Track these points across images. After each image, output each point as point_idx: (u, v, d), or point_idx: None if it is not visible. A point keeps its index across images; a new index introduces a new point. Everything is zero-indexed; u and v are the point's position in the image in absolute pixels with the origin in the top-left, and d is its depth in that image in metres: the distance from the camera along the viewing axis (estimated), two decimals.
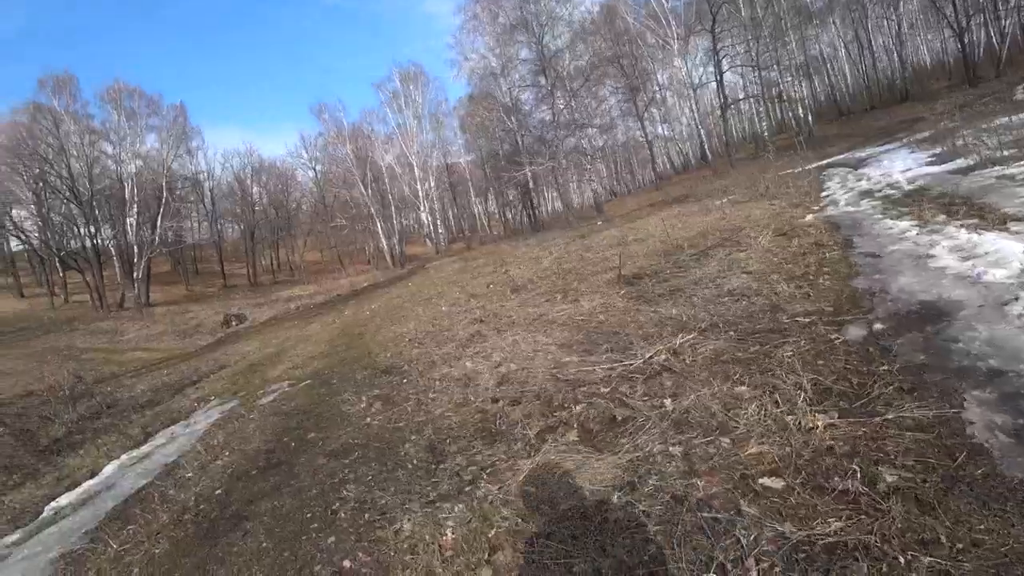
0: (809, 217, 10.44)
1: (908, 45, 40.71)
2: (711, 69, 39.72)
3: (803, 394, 3.33)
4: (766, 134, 37.70)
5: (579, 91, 31.99)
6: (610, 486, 2.96)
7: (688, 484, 2.81)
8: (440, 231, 40.52)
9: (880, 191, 11.51)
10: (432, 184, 39.40)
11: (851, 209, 10.47)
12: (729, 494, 2.67)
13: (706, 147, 39.39)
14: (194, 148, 46.20)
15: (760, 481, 2.70)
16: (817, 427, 2.98)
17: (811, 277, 6.12)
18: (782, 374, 3.74)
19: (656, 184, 41.41)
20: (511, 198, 45.56)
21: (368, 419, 5.34)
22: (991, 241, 5.96)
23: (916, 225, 7.58)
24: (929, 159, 14.12)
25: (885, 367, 3.63)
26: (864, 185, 12.85)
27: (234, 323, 25.19)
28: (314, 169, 48.97)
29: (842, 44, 43.61)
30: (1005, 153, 11.12)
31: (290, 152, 51.97)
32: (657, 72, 41.96)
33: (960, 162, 12.19)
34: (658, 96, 42.43)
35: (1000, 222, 6.59)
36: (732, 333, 4.85)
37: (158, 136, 39.51)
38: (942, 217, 7.76)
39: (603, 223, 25.03)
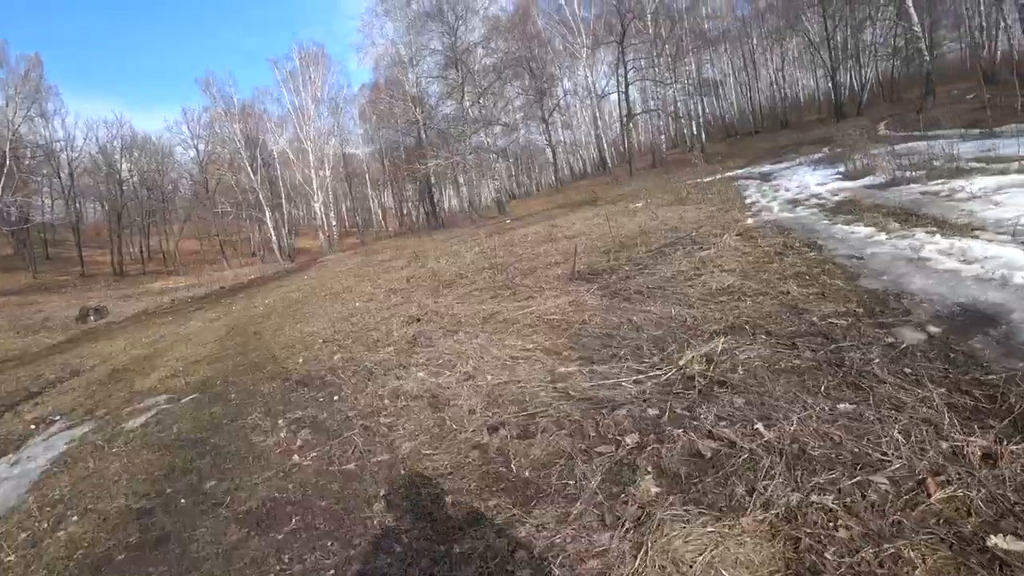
0: (749, 220, 10.05)
1: (788, 79, 43.66)
2: (614, 81, 40.56)
3: (946, 412, 2.47)
4: (664, 147, 38.81)
5: (489, 88, 31.04)
6: None
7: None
8: (333, 224, 37.78)
9: (807, 200, 11.44)
10: (328, 174, 36.59)
11: (789, 215, 10.21)
12: None
13: (606, 155, 39.91)
14: (50, 111, 38.98)
15: (992, 543, 1.75)
16: (1001, 454, 2.11)
17: (808, 277, 5.44)
18: (887, 386, 2.87)
19: (557, 187, 41.42)
20: (410, 193, 43.74)
21: (296, 457, 3.69)
22: (981, 247, 5.63)
23: (877, 231, 7.27)
24: (836, 175, 14.54)
25: (993, 376, 2.88)
26: (786, 195, 12.84)
27: (93, 318, 21.26)
28: (196, 148, 43.42)
29: (732, 71, 46.04)
30: (913, 174, 11.41)
31: (169, 127, 45.34)
32: (563, 78, 42.11)
33: (870, 179, 12.56)
34: (562, 102, 42.51)
35: (962, 231, 6.35)
36: (764, 336, 3.98)
37: (3, 91, 33.40)
38: (896, 225, 7.53)
39: (512, 222, 24.21)
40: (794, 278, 5.44)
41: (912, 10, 27.61)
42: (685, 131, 42.23)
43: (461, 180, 47.46)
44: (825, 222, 8.64)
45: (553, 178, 50.42)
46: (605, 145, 39.03)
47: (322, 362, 5.93)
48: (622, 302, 5.54)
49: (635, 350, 4.14)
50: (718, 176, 21.41)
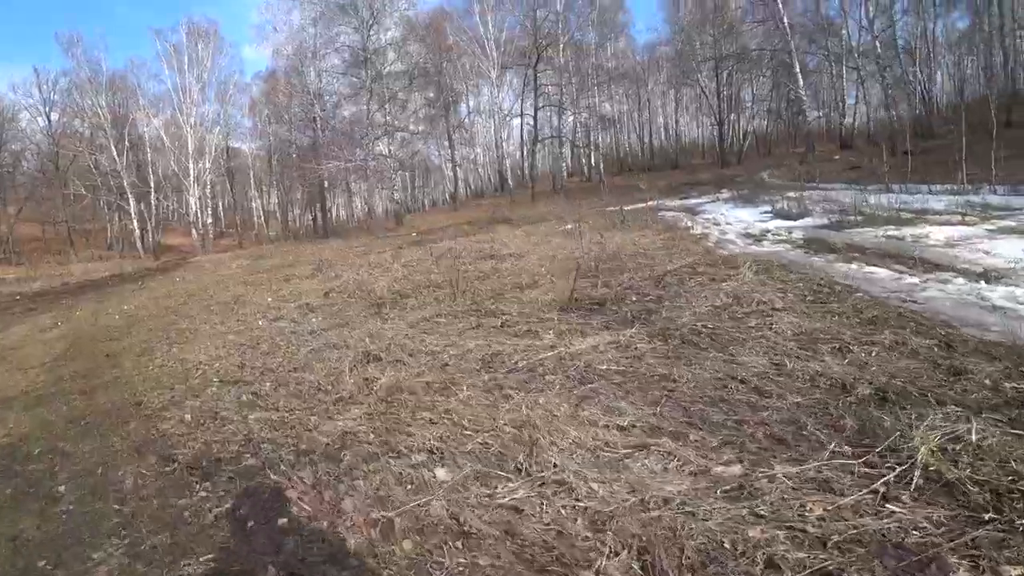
0: (722, 251, 9.04)
1: (681, 124, 45.54)
2: (518, 104, 39.94)
3: None
4: (564, 174, 38.57)
5: (397, 94, 28.84)
6: None
7: None
8: (209, 222, 33.09)
9: (764, 236, 10.76)
10: (208, 165, 31.98)
11: (760, 248, 9.41)
12: None
13: (507, 176, 38.96)
14: None
15: None
16: None
17: (893, 324, 4.21)
18: None
19: (455, 205, 39.76)
20: (298, 197, 39.94)
21: None
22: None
23: (899, 273, 6.40)
24: (767, 214, 14.18)
25: None
26: (733, 228, 12.18)
27: None
28: (48, 117, 35.48)
29: (628, 109, 47.23)
30: (854, 218, 11.17)
31: (14, 86, 36.33)
32: (469, 95, 40.83)
33: (812, 220, 12.21)
34: (467, 119, 41.15)
35: (997, 277, 5.62)
36: (956, 408, 2.58)
37: None
38: (898, 266, 6.79)
39: (419, 235, 22.15)
40: (875, 324, 4.20)
41: (800, 75, 29.46)
42: (583, 160, 42.42)
43: (353, 188, 44.45)
44: (817, 259, 7.72)
45: (449, 195, 48.80)
46: (508, 166, 38.03)
47: (229, 426, 3.60)
48: (688, 348, 3.95)
49: (794, 430, 2.55)
50: (634, 206, 20.87)
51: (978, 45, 32.58)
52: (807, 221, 12.00)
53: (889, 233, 9.21)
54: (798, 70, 29.27)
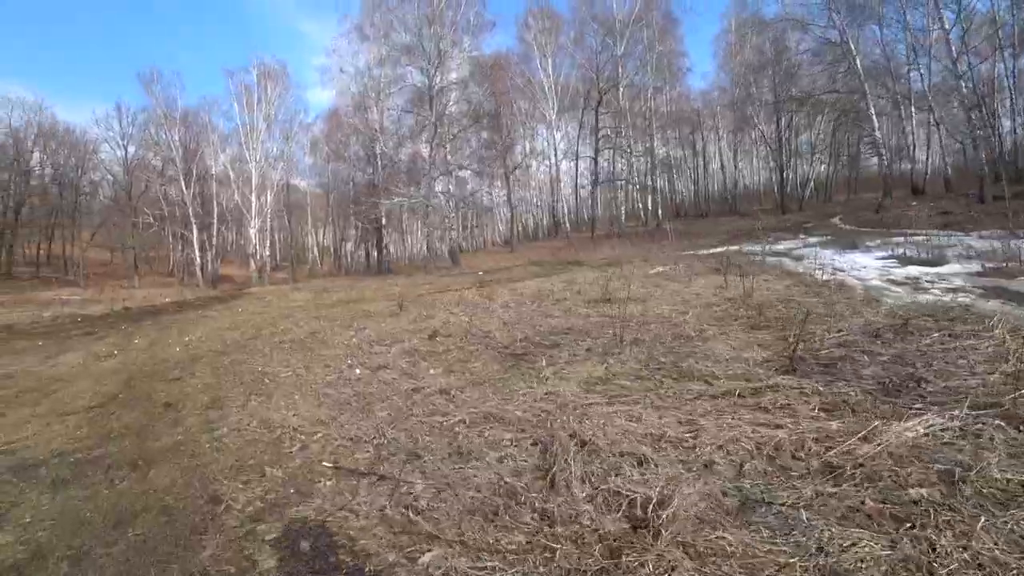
0: (892, 300, 7.21)
1: (739, 168, 43.76)
2: (575, 147, 38.95)
3: None
4: (623, 218, 37.04)
5: (460, 133, 28.02)
6: None
7: None
8: (267, 254, 32.50)
9: (918, 283, 8.95)
10: (269, 200, 31.65)
11: (937, 298, 7.53)
12: None
13: (564, 219, 37.67)
14: None
15: None
16: None
17: None
18: None
19: (509, 246, 38.52)
20: (352, 232, 39.34)
21: None
22: None
23: None
24: (888, 258, 12.44)
25: None
26: (865, 274, 10.33)
27: None
28: (125, 148, 35.84)
29: (686, 154, 45.75)
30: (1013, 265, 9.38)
31: (97, 120, 36.98)
32: (527, 137, 40.03)
33: (959, 267, 10.35)
34: (523, 161, 40.22)
35: None
36: None
37: None
38: None
39: (483, 274, 20.76)
40: None
41: (875, 118, 27.60)
42: (640, 205, 40.90)
43: (406, 226, 43.80)
44: None
45: (503, 236, 47.70)
46: (566, 209, 36.74)
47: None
48: None
49: None
50: (715, 250, 19.10)
51: None
52: (954, 268, 10.12)
53: None
54: (873, 113, 27.38)
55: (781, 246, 19.03)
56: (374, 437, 3.34)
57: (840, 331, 5.30)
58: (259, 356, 6.46)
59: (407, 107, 27.48)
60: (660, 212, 38.30)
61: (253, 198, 30.55)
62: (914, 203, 28.14)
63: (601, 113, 33.43)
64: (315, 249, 46.52)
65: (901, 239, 15.55)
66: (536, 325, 6.73)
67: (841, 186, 44.25)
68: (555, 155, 38.71)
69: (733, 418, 3.24)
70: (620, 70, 33.37)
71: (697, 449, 2.85)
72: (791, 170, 39.95)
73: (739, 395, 3.66)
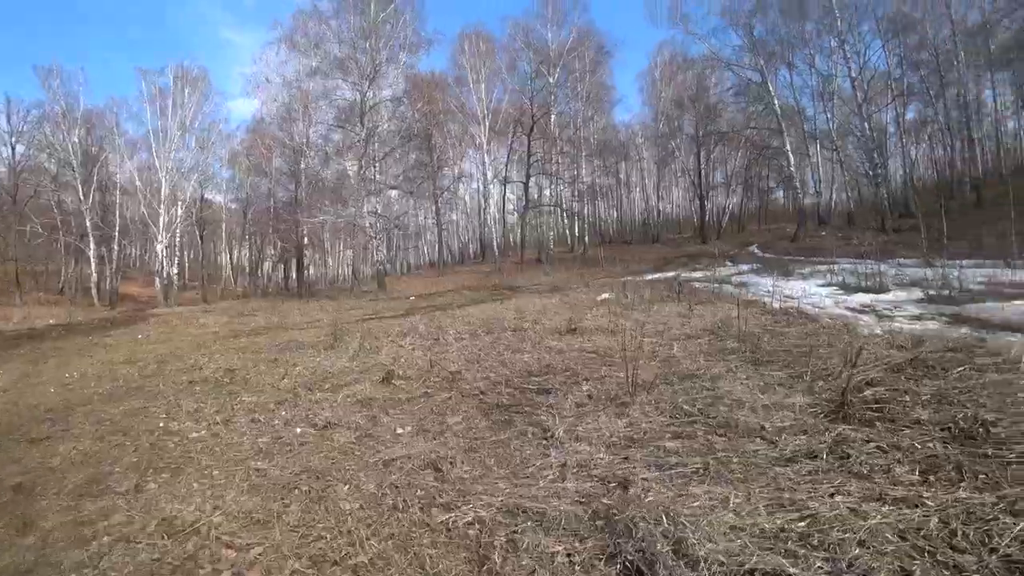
0: (869, 331, 6.82)
1: (663, 198, 44.89)
2: (504, 172, 38.48)
3: None
4: (552, 244, 36.81)
5: (391, 152, 26.70)
6: None
7: None
8: (175, 272, 29.27)
9: (880, 311, 8.78)
10: (180, 213, 28.67)
11: (907, 327, 7.26)
12: None
13: (493, 244, 36.90)
14: None
15: None
16: None
17: None
18: None
19: (436, 270, 37.23)
20: (270, 252, 36.58)
21: None
22: None
23: None
24: (830, 286, 12.51)
25: None
26: (824, 302, 10.10)
27: None
28: (12, 147, 30.39)
29: (610, 182, 46.48)
30: (953, 294, 9.42)
31: None
32: (457, 160, 39.16)
33: (903, 294, 10.55)
34: (452, 184, 39.28)
35: None
36: None
37: None
38: None
39: (415, 299, 19.47)
40: None
41: (791, 155, 29.01)
42: (567, 231, 40.95)
43: (328, 247, 41.46)
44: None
45: (426, 260, 46.28)
46: (495, 235, 35.99)
47: None
48: None
49: None
50: (651, 276, 18.87)
51: (937, 133, 33.16)
52: (899, 295, 10.15)
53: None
54: (789, 150, 28.76)
55: (719, 273, 19.12)
56: (347, 554, 2.20)
57: (856, 367, 4.71)
58: (161, 403, 5.00)
59: (336, 122, 25.86)
60: (587, 238, 38.46)
61: (162, 211, 27.54)
62: (823, 233, 29.64)
63: (533, 139, 33.22)
64: (229, 268, 43.04)
65: (826, 267, 15.98)
66: (508, 363, 5.70)
67: (752, 217, 46.38)
68: (484, 179, 38.11)
69: (837, 492, 2.42)
70: (552, 98, 33.43)
71: (831, 547, 1.99)
72: (710, 201, 41.46)
73: (815, 456, 2.87)
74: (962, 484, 2.45)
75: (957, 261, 12.74)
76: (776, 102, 28.57)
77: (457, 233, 44.71)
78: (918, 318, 7.86)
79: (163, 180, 27.19)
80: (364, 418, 3.96)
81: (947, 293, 9.49)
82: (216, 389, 5.40)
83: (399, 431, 3.61)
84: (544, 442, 3.27)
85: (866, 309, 9.02)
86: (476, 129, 35.17)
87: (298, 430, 3.76)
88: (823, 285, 12.61)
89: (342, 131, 27.32)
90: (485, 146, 35.39)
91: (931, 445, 2.91)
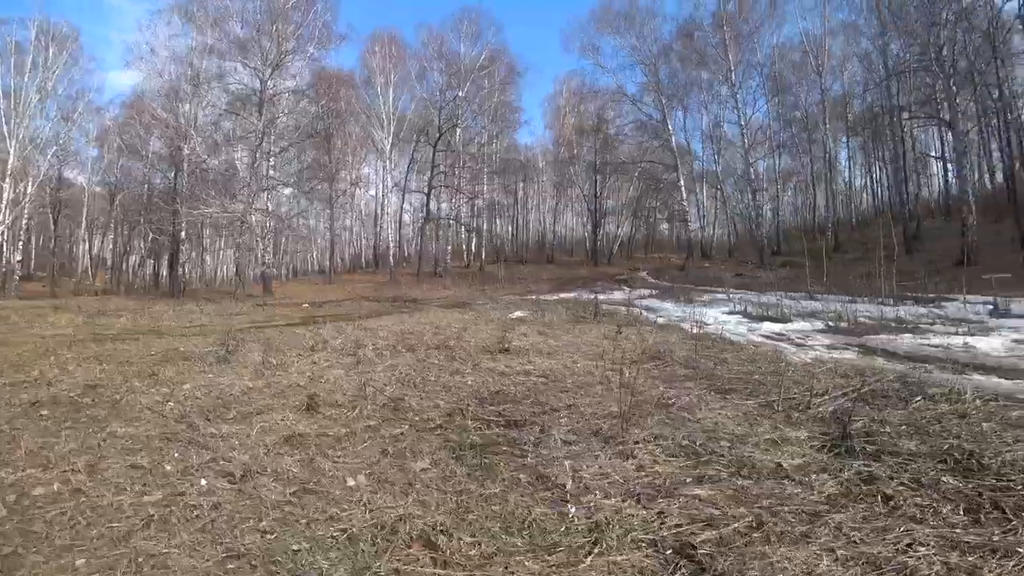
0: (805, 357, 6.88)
1: (558, 221, 45.77)
2: (404, 182, 37.27)
3: None
4: (448, 258, 36.00)
5: (289, 147, 24.67)
6: None
7: None
8: (18, 260, 24.57)
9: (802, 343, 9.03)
10: (30, 191, 24.15)
11: (837, 356, 7.44)
12: None
13: (389, 254, 35.38)
14: None
15: None
16: None
17: None
18: None
19: (328, 277, 34.97)
20: (139, 247, 32.33)
21: None
22: None
23: None
24: (736, 314, 12.88)
25: None
26: (740, 331, 10.28)
27: None
28: None
29: (508, 201, 46.68)
30: (844, 324, 10.17)
31: None
32: (356, 164, 37.25)
33: (806, 324, 11.07)
34: (350, 188, 37.30)
35: None
36: None
37: None
38: None
39: (312, 307, 17.82)
40: None
41: (684, 190, 30.76)
42: (464, 246, 40.41)
43: (207, 244, 37.54)
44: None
45: (315, 266, 43.53)
46: (391, 244, 34.54)
47: None
48: None
49: None
50: (553, 297, 18.67)
51: (801, 184, 37.01)
52: (803, 325, 10.58)
53: (931, 342, 7.95)
54: (682, 185, 30.45)
55: (616, 295, 19.40)
56: None
57: (821, 395, 4.54)
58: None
59: (231, 108, 23.40)
60: (483, 255, 38.20)
61: (7, 185, 23.15)
62: (707, 264, 31.62)
63: (438, 151, 32.46)
64: (87, 260, 37.49)
65: (724, 295, 16.71)
66: (452, 387, 4.90)
67: (639, 245, 48.69)
68: (383, 186, 36.62)
69: (914, 541, 2.06)
70: (460, 112, 32.97)
71: None
72: (602, 227, 42.96)
73: (856, 498, 2.50)
74: (1013, 524, 2.22)
75: (833, 297, 13.90)
76: (673, 139, 30.22)
77: (350, 240, 42.49)
78: (832, 347, 8.15)
79: (11, 150, 22.83)
80: (296, 463, 2.98)
81: (844, 324, 10.10)
82: (72, 415, 4.07)
83: (350, 482, 2.71)
84: (548, 494, 2.57)
85: (780, 337, 9.27)
86: (380, 134, 33.75)
87: (204, 482, 2.73)
88: (729, 313, 12.97)
89: (235, 119, 24.91)
90: (388, 153, 34.01)
91: (945, 479, 2.71)
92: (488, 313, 13.15)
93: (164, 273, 29.96)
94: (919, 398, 4.43)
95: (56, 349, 7.31)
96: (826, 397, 4.47)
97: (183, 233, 26.18)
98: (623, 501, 2.47)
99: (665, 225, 52.54)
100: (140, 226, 30.43)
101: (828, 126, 29.83)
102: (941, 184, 29.64)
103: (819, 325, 10.41)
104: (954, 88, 19.74)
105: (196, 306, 17.89)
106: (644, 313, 13.14)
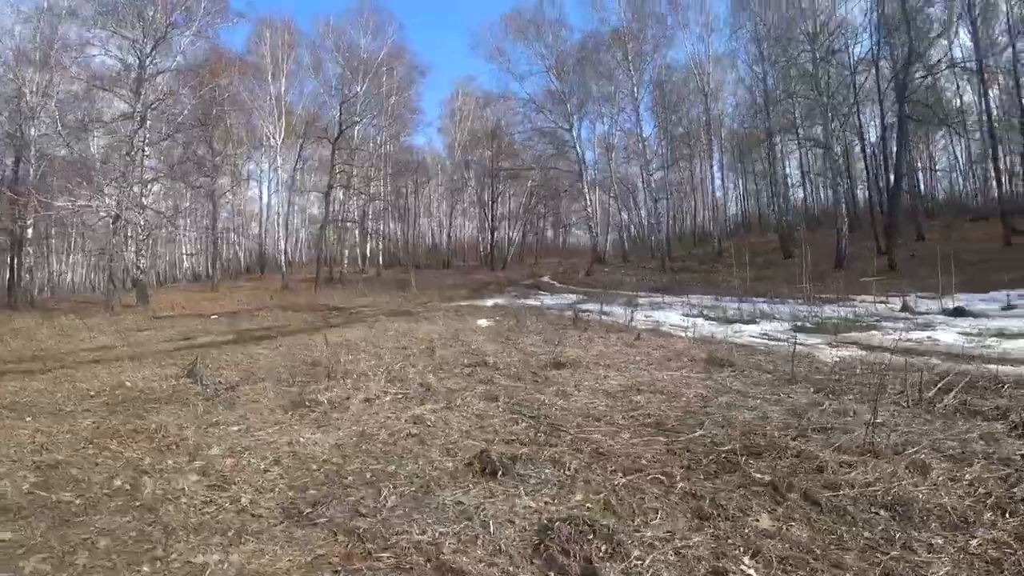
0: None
1: (455, 225, 44.78)
2: (294, 178, 34.17)
3: None
4: (345, 262, 33.59)
5: (170, 135, 21.27)
6: None
7: None
8: None
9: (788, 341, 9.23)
10: None
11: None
12: None
13: (281, 257, 32.20)
14: None
15: None
16: None
17: None
18: None
19: (212, 284, 30.93)
20: None
21: None
22: None
23: None
24: (700, 318, 12.73)
25: None
26: (733, 334, 10.30)
27: None
28: None
29: (404, 203, 44.87)
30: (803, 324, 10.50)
31: None
32: (241, 158, 33.38)
33: (773, 324, 11.44)
34: (234, 185, 33.37)
35: None
36: None
37: None
38: None
39: (221, 318, 15.31)
40: None
41: (587, 196, 31.50)
42: (358, 250, 38.08)
43: (55, 245, 31.50)
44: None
45: (189, 271, 38.47)
46: (284, 247, 31.43)
47: None
48: None
49: None
50: (484, 303, 17.79)
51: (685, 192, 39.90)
52: (774, 326, 10.86)
53: (904, 337, 8.39)
54: (587, 191, 31.18)
55: (547, 300, 18.92)
56: None
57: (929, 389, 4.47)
58: None
59: (98, 84, 19.56)
60: (380, 259, 36.36)
61: None
62: (606, 270, 32.66)
63: (337, 148, 30.13)
64: None
65: (660, 299, 16.94)
66: (618, 425, 4.08)
67: (529, 250, 49.29)
68: (271, 184, 33.35)
69: None
70: (356, 109, 30.92)
71: None
72: (498, 232, 42.86)
73: None
74: None
75: (760, 299, 14.68)
76: (578, 147, 30.93)
77: (229, 242, 38.11)
78: (831, 346, 8.40)
79: None
80: None
81: (808, 325, 10.53)
82: None
83: None
84: None
85: (772, 339, 9.41)
86: (269, 128, 30.58)
87: None
88: (685, 316, 12.97)
89: (92, 100, 21.02)
90: (278, 148, 30.94)
91: None
92: (450, 322, 12.08)
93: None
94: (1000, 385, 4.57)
95: None
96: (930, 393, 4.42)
97: (29, 232, 21.54)
98: None
99: (550, 232, 53.99)
100: None
101: (708, 142, 32.28)
102: (801, 199, 33.46)
103: (787, 326, 10.73)
104: (830, 115, 22.05)
105: (48, 320, 14.64)
106: (602, 318, 12.81)
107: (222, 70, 23.69)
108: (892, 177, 21.70)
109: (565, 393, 4.99)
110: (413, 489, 2.92)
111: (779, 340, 9.14)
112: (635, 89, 27.99)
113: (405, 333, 9.92)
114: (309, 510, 2.65)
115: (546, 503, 2.80)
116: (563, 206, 43.22)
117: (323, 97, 31.17)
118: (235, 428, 3.97)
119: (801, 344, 8.55)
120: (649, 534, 2.41)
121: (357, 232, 35.59)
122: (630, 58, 27.91)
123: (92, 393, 5.45)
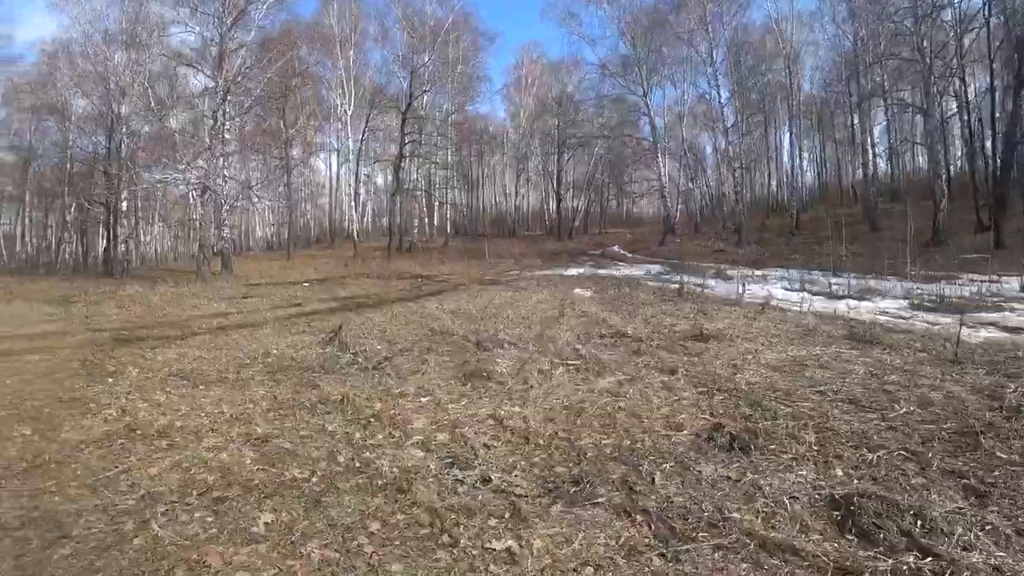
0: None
1: (524, 197, 44.33)
2: (365, 148, 34.47)
3: None
4: (416, 231, 33.86)
5: (249, 108, 21.66)
6: None
7: None
8: None
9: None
10: None
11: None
12: None
13: (354, 228, 32.76)
14: None
15: None
16: None
17: None
18: None
19: (286, 253, 31.90)
20: (63, 221, 27.69)
21: None
22: None
23: None
24: (807, 294, 11.99)
25: None
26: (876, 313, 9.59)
27: None
28: None
29: (471, 173, 44.72)
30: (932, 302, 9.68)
31: None
32: (312, 130, 33.87)
33: (894, 303, 10.57)
34: (306, 157, 34.00)
35: None
36: None
37: None
38: None
39: (311, 286, 15.65)
40: None
41: (663, 166, 30.39)
42: (427, 219, 38.26)
43: (141, 216, 33.15)
44: None
45: (263, 239, 39.89)
46: (355, 216, 31.89)
47: None
48: None
49: None
50: (563, 272, 17.44)
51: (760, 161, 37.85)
52: (891, 304, 10.02)
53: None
54: (662, 162, 30.06)
55: (629, 271, 18.44)
56: None
57: None
58: None
59: (182, 61, 20.07)
60: (448, 228, 36.44)
61: None
62: (678, 241, 31.58)
63: (407, 119, 30.09)
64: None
65: (749, 272, 16.16)
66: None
67: (595, 221, 48.25)
68: (342, 155, 33.73)
69: None
70: (427, 78, 30.64)
71: None
72: (565, 202, 42.03)
73: None
74: None
75: (853, 274, 13.61)
76: (651, 114, 29.68)
77: (301, 212, 39.07)
78: (965, 325, 7.67)
79: None
80: None
81: (925, 303, 9.69)
82: None
83: None
84: None
85: (899, 317, 8.70)
86: (339, 99, 30.79)
87: None
88: (787, 290, 12.36)
89: (172, 77, 21.59)
90: (349, 119, 31.17)
91: None
92: (551, 292, 11.79)
93: (94, 253, 25.82)
94: None
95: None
96: None
97: (124, 204, 22.61)
98: None
99: (613, 202, 52.52)
100: (61, 199, 25.99)
101: (788, 108, 30.35)
102: (885, 168, 31.10)
103: (902, 303, 9.96)
104: (932, 77, 20.14)
105: (167, 288, 15.29)
106: (705, 291, 12.27)
107: (295, 41, 23.82)
108: (1002, 146, 19.65)
109: (735, 366, 4.65)
110: (670, 465, 2.70)
111: (902, 318, 8.48)
112: (713, 51, 26.40)
113: (511, 303, 9.75)
114: (574, 488, 2.46)
115: (814, 477, 2.56)
116: (629, 175, 41.79)
117: (390, 67, 30.99)
118: (425, 399, 3.85)
119: (928, 323, 7.90)
120: (940, 510, 2.25)
121: (425, 201, 35.69)
122: (708, 19, 26.30)
123: (247, 362, 5.51)
